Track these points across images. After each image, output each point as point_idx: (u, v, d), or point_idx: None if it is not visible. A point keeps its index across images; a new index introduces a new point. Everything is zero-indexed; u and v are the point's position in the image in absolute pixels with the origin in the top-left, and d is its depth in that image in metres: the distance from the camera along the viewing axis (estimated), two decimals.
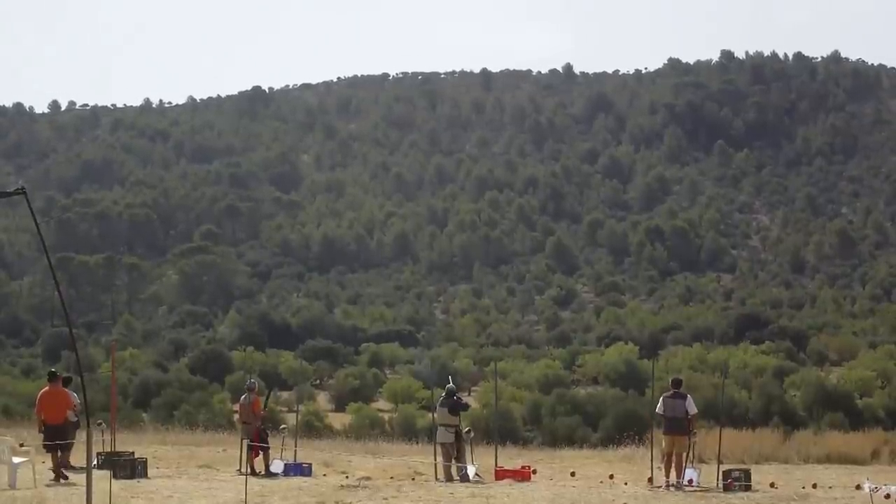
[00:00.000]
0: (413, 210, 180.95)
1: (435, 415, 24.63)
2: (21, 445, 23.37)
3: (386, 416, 61.99)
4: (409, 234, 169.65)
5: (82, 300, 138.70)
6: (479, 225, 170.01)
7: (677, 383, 23.93)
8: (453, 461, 23.85)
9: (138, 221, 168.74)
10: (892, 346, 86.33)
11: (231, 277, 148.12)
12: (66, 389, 24.58)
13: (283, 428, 29.84)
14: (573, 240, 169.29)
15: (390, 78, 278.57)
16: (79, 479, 20.62)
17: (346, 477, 24.52)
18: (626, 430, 40.82)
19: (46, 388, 23.58)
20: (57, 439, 22.48)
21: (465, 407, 25.10)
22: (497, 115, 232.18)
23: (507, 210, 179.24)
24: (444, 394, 24.67)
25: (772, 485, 23.49)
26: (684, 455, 23.28)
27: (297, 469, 25.14)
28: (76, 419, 24.62)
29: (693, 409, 23.33)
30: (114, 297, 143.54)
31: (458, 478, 23.53)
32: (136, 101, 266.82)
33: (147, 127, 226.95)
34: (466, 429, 24.90)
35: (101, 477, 19.44)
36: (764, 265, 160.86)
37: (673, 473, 23.02)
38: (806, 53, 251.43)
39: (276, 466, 25.27)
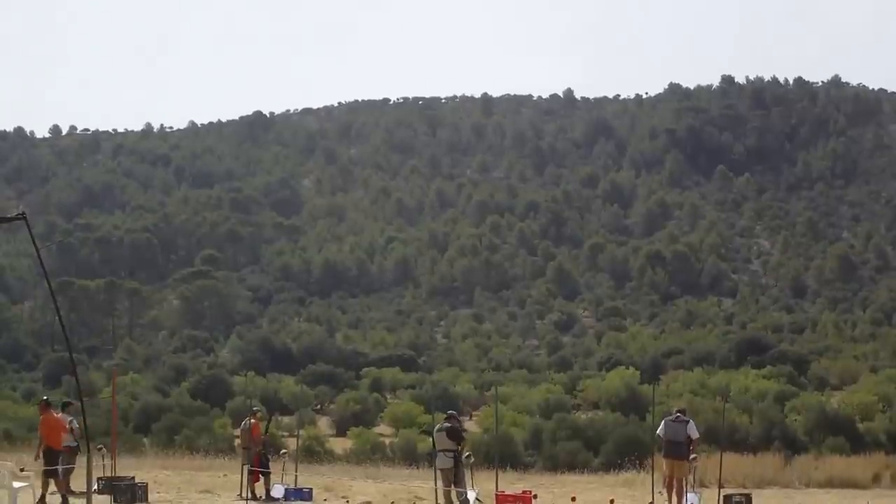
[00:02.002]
0: (414, 235, 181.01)
1: (433, 440, 24.61)
2: (21, 470, 23.35)
3: (387, 441, 61.82)
4: (410, 259, 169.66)
5: (83, 325, 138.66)
6: (480, 249, 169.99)
7: (681, 410, 24.06)
8: (453, 486, 23.81)
9: (139, 246, 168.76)
10: (894, 370, 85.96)
11: (232, 302, 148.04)
12: (63, 414, 24.85)
13: (284, 453, 29.87)
14: (574, 264, 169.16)
15: (391, 102, 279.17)
16: (80, 503, 20.61)
17: (347, 502, 24.54)
18: (626, 454, 40.82)
19: (45, 414, 23.70)
20: (57, 463, 22.62)
21: (462, 437, 25.03)
22: (498, 139, 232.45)
23: (507, 235, 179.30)
24: (444, 418, 24.69)
25: None
26: (685, 480, 23.28)
27: (297, 494, 25.15)
28: (76, 444, 24.71)
29: (695, 433, 23.37)
30: (115, 321, 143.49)
31: (457, 503, 23.50)
32: (138, 126, 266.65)
33: (148, 152, 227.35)
34: (467, 454, 24.89)
35: (101, 502, 19.47)
36: (765, 289, 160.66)
37: (675, 498, 23.01)
38: (806, 78, 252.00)
39: (277, 491, 25.28)
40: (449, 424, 24.21)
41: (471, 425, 69.53)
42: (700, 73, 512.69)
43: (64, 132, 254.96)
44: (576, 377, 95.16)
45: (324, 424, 76.54)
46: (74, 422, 24.74)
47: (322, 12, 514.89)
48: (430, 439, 25.44)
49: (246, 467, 24.91)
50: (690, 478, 23.88)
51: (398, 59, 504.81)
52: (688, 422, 23.50)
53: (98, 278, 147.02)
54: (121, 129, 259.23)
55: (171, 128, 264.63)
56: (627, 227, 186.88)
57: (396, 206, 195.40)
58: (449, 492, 23.67)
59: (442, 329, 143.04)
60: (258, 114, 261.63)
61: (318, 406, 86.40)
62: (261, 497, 24.70)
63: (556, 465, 49.52)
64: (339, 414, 77.61)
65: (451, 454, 23.76)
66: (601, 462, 48.43)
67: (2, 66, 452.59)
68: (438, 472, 24.10)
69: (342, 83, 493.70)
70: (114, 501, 21.30)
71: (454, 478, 23.78)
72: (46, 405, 24.06)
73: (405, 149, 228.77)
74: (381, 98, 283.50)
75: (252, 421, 25.86)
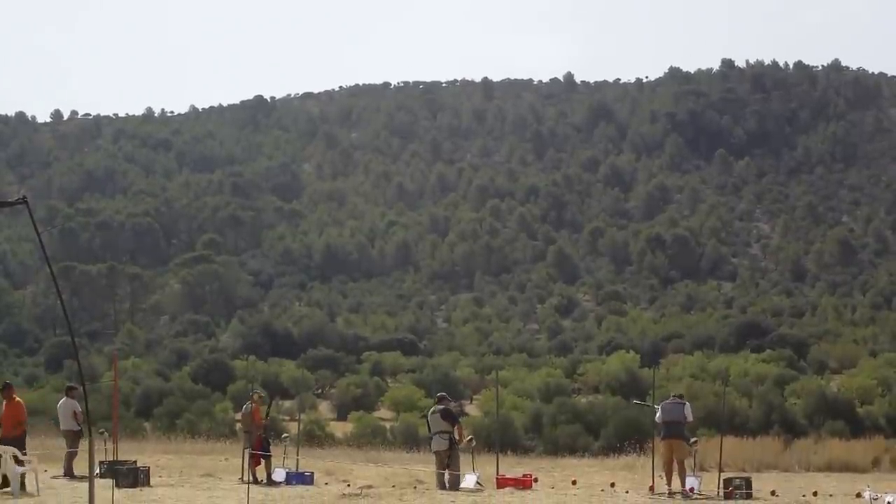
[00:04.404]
0: (414, 219, 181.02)
1: (428, 423, 24.65)
2: (24, 454, 23.48)
3: (387, 425, 62.04)
4: (410, 243, 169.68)
5: (84, 309, 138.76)
6: (481, 234, 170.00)
7: (679, 396, 24.32)
8: (447, 470, 23.86)
9: (140, 230, 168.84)
10: (893, 354, 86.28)
11: (233, 286, 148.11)
12: (67, 398, 25.17)
13: (285, 437, 29.99)
14: (574, 248, 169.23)
15: (392, 87, 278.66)
16: (82, 486, 20.73)
17: (348, 485, 24.64)
18: (627, 438, 40.98)
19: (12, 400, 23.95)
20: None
21: (456, 418, 25.09)
22: (498, 124, 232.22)
23: (508, 219, 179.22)
24: (437, 400, 24.77)
25: (772, 493, 23.60)
26: (685, 462, 23.42)
27: (298, 478, 25.26)
28: (79, 428, 24.86)
29: (690, 416, 23.66)
30: (116, 306, 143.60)
31: (448, 486, 23.53)
32: (139, 111, 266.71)
33: (149, 136, 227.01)
34: (469, 437, 24.96)
35: (103, 485, 19.56)
36: (765, 273, 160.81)
37: (676, 481, 23.14)
38: (806, 62, 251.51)
39: (278, 475, 25.39)
40: (442, 406, 24.28)
41: (471, 409, 69.81)
42: (700, 57, 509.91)
43: (65, 117, 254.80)
44: (576, 361, 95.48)
45: (325, 408, 76.86)
46: (78, 406, 24.91)
47: None
48: (426, 423, 25.50)
49: (247, 451, 25.01)
50: (690, 461, 24.02)
51: (399, 44, 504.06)
52: (685, 403, 23.78)
53: (99, 263, 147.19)
54: (122, 114, 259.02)
55: (172, 112, 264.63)
56: (627, 210, 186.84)
57: (397, 191, 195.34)
58: (442, 474, 23.75)
59: (442, 313, 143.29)
60: (259, 98, 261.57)
61: (319, 390, 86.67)
62: (262, 481, 24.81)
63: (557, 448, 49.74)
64: (340, 398, 77.94)
65: (447, 436, 23.82)
66: (601, 446, 48.62)
67: (3, 51, 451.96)
68: (435, 455, 24.18)
69: (343, 68, 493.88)
70: (116, 485, 21.39)
71: (448, 460, 23.86)
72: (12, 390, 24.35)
73: (406, 133, 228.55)
74: (381, 82, 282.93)
75: (253, 405, 25.97)
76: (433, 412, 24.24)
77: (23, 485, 22.01)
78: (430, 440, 24.92)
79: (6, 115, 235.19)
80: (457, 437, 24.05)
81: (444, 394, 25.32)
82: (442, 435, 23.83)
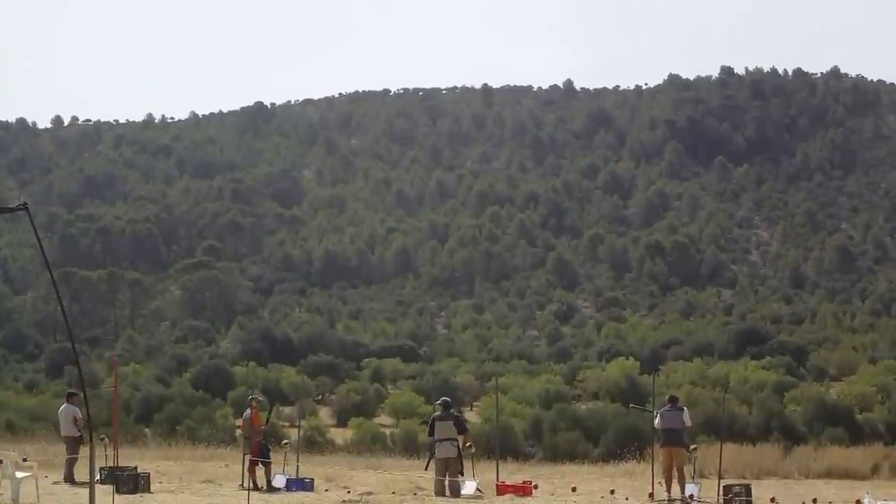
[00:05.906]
0: (414, 225, 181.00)
1: (434, 427, 24.55)
2: (24, 460, 23.53)
3: (387, 432, 62.04)
4: (410, 250, 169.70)
5: (85, 315, 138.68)
6: (481, 240, 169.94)
7: (674, 399, 24.30)
8: (447, 476, 23.84)
9: (140, 236, 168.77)
10: (893, 361, 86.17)
11: (233, 293, 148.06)
12: (68, 404, 25.08)
13: (286, 443, 30.03)
14: (574, 255, 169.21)
15: (391, 93, 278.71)
16: (83, 492, 20.78)
17: (348, 492, 24.68)
18: (626, 445, 41.01)
19: None
20: None
21: (467, 428, 25.10)
22: (498, 130, 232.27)
23: (507, 225, 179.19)
24: (441, 407, 24.68)
25: (772, 500, 23.66)
26: (685, 469, 23.45)
27: (299, 484, 25.30)
28: (80, 434, 24.91)
29: (689, 421, 23.73)
30: (116, 312, 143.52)
31: (448, 494, 23.52)
32: (139, 117, 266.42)
33: (149, 142, 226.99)
34: (468, 443, 24.99)
35: (104, 492, 19.61)
36: (764, 280, 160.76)
37: (676, 488, 23.18)
38: (805, 69, 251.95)
39: (279, 481, 25.43)
40: (452, 413, 24.30)
41: (471, 416, 69.75)
42: (699, 64, 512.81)
43: (66, 123, 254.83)
44: (576, 368, 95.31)
45: (325, 415, 76.76)
46: (79, 412, 24.96)
47: (323, 3, 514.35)
48: (429, 427, 25.36)
49: (247, 456, 25.07)
50: (690, 468, 24.05)
51: (399, 50, 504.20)
52: (683, 410, 23.82)
53: (99, 269, 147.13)
54: (122, 120, 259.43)
55: (172, 118, 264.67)
56: (627, 217, 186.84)
57: (397, 197, 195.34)
58: (441, 481, 23.74)
59: (442, 320, 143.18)
60: (259, 104, 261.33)
61: (319, 396, 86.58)
62: (262, 487, 24.84)
63: (557, 455, 49.73)
64: (340, 404, 77.84)
65: (456, 443, 23.83)
66: (601, 452, 48.61)
67: (4, 57, 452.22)
68: (438, 461, 24.11)
69: (343, 74, 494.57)
70: (116, 491, 21.44)
71: (460, 467, 23.84)
72: None
73: (406, 139, 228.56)
74: (381, 89, 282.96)
75: (253, 410, 25.99)
76: (442, 418, 24.18)
77: None
78: (430, 445, 24.90)
79: (7, 121, 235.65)
80: (462, 445, 24.07)
81: (448, 399, 25.29)
82: (452, 442, 23.82)
